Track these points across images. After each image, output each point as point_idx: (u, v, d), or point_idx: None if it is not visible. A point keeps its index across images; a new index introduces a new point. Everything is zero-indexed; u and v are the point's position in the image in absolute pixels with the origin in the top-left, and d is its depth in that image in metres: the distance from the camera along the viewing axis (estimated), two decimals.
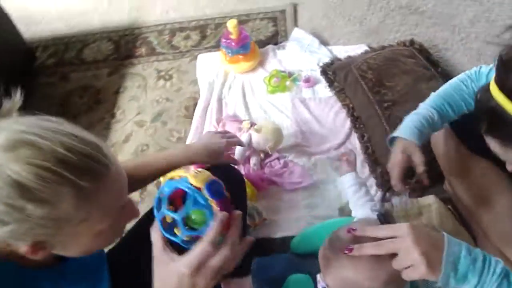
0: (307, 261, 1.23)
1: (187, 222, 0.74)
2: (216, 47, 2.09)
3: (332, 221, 1.34)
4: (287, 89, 1.88)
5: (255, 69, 1.97)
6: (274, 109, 1.82)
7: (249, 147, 1.59)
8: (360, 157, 1.63)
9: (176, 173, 0.77)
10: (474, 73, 1.25)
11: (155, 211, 0.76)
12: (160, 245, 0.77)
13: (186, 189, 0.72)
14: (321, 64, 1.92)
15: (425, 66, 1.76)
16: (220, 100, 1.87)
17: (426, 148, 1.34)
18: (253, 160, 1.61)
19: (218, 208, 0.72)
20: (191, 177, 0.72)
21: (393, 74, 1.71)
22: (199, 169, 0.76)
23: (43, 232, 0.68)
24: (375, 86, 1.70)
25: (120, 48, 2.20)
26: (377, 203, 1.24)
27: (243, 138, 1.59)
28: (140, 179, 1.12)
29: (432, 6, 2.17)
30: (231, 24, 1.82)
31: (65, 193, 0.66)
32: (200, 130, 1.78)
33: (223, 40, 1.89)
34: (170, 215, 0.73)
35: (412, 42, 1.91)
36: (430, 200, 1.45)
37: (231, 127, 1.66)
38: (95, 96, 2.01)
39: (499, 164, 1.28)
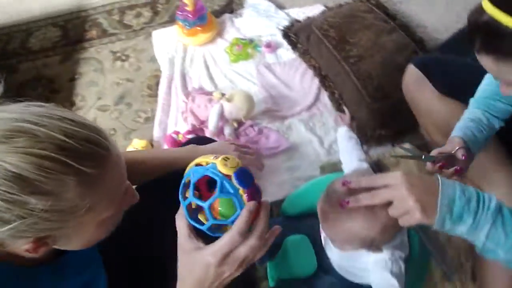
0: (301, 222, 1.24)
1: (214, 210, 0.72)
2: (170, 22, 2.03)
3: (319, 179, 1.35)
4: (249, 56, 1.85)
5: (214, 40, 1.92)
6: (239, 78, 1.79)
7: (221, 117, 1.56)
8: (332, 115, 1.64)
9: (203, 159, 0.74)
10: None
11: (180, 197, 0.74)
12: (186, 232, 0.75)
13: (215, 177, 0.69)
14: (280, 27, 1.89)
15: (384, 19, 1.78)
16: (183, 75, 1.82)
17: None
18: (227, 130, 1.58)
19: (247, 197, 0.70)
20: (220, 164, 0.70)
21: (355, 30, 1.72)
22: (228, 156, 0.73)
23: (47, 227, 0.63)
24: (338, 43, 1.70)
25: (69, 33, 2.09)
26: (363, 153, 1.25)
27: (215, 109, 1.56)
28: (145, 172, 1.06)
29: None
30: None
31: (69, 181, 0.62)
32: (167, 108, 1.73)
33: (179, 13, 1.83)
34: (197, 203, 0.71)
35: None
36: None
37: (201, 100, 1.62)
38: (49, 85, 1.89)
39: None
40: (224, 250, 0.71)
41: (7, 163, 0.59)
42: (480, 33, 0.86)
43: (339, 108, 1.62)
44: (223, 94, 1.59)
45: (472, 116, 1.18)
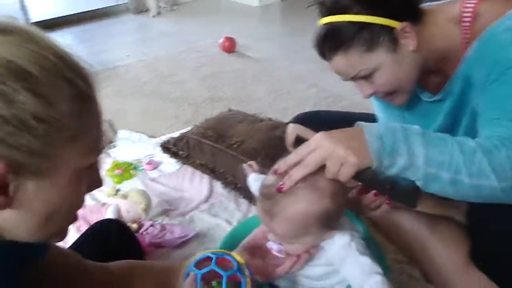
0: None
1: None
2: None
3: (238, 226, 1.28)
4: (132, 176, 1.81)
5: None
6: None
7: (119, 219, 1.44)
8: (231, 199, 1.63)
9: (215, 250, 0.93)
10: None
11: (193, 268, 0.86)
12: None
13: (233, 260, 0.88)
14: (158, 144, 1.94)
15: (254, 116, 1.97)
16: None
17: None
18: None
19: (250, 282, 0.88)
20: (237, 255, 0.91)
21: (230, 125, 1.85)
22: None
23: (27, 144, 0.54)
24: (218, 138, 1.79)
25: None
26: None
27: (110, 210, 1.44)
28: None
29: (231, 93, 2.49)
30: None
31: (64, 91, 0.57)
32: None
33: None
34: (218, 271, 0.84)
35: (230, 110, 2.12)
36: None
37: (93, 212, 1.49)
38: None
39: None
40: None
41: (5, 51, 0.53)
42: (325, 41, 1.03)
43: (236, 187, 1.63)
44: (117, 190, 1.49)
45: None
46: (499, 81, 0.92)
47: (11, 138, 0.52)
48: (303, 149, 0.88)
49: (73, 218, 0.68)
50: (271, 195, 0.92)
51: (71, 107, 0.57)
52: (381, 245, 1.26)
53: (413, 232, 1.25)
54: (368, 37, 0.98)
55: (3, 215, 0.57)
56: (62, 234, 0.70)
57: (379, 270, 0.90)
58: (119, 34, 3.74)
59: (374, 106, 1.32)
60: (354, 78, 1.07)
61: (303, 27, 3.46)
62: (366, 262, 0.91)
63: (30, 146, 0.54)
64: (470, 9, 0.99)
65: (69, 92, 0.57)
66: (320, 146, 0.85)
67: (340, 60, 1.03)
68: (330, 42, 1.02)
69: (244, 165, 1.35)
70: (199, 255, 0.90)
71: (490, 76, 0.94)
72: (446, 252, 1.16)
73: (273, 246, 0.98)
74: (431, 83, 1.13)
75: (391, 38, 0.99)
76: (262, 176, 1.27)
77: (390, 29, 0.98)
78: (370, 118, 1.55)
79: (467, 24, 0.99)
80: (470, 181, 0.84)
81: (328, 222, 0.93)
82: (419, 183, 0.87)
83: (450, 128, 1.13)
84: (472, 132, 1.01)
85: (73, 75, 0.58)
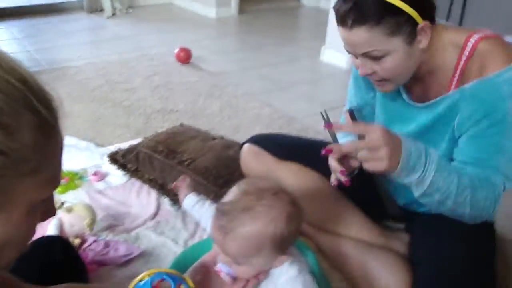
0: None
1: None
2: None
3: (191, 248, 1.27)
4: (77, 186, 1.75)
5: None
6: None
7: (61, 234, 1.39)
8: (180, 215, 1.62)
9: (146, 273, 0.92)
10: None
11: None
12: None
13: (169, 276, 0.91)
14: (106, 155, 1.89)
15: (206, 133, 1.96)
16: None
17: None
18: None
19: None
20: (169, 270, 0.95)
21: (182, 141, 1.83)
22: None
23: None
24: (169, 154, 1.77)
25: None
26: None
27: (53, 224, 1.38)
28: None
29: (183, 106, 2.47)
30: None
31: (26, 120, 0.53)
32: None
33: None
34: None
35: (182, 124, 2.10)
36: None
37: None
38: None
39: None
40: None
41: None
42: (350, 11, 1.01)
43: None
44: (62, 203, 1.43)
45: None
46: (492, 129, 1.04)
47: None
48: (361, 127, 1.01)
49: (23, 249, 0.65)
50: (229, 211, 0.94)
51: (34, 138, 0.54)
52: (326, 273, 1.30)
53: (356, 258, 1.30)
54: (395, 22, 1.01)
55: None
56: (9, 265, 0.67)
57: None
58: (71, 33, 3.62)
59: (350, 86, 1.39)
60: (363, 54, 1.08)
61: (258, 43, 3.53)
62: None
63: None
64: (471, 44, 1.06)
65: (32, 122, 0.54)
66: (376, 139, 0.94)
67: (362, 33, 1.03)
68: (357, 14, 1.01)
69: (176, 184, 1.33)
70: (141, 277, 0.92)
71: (482, 121, 1.05)
72: (387, 276, 1.21)
73: (222, 268, 0.99)
74: (412, 89, 1.20)
75: (412, 31, 1.03)
76: (202, 198, 1.26)
77: (414, 23, 1.02)
78: (323, 145, 1.59)
79: (464, 57, 1.07)
80: (452, 205, 1.04)
81: (281, 245, 0.96)
82: (415, 194, 1.03)
83: (426, 140, 1.18)
84: (448, 153, 1.15)
85: (37, 103, 0.55)
